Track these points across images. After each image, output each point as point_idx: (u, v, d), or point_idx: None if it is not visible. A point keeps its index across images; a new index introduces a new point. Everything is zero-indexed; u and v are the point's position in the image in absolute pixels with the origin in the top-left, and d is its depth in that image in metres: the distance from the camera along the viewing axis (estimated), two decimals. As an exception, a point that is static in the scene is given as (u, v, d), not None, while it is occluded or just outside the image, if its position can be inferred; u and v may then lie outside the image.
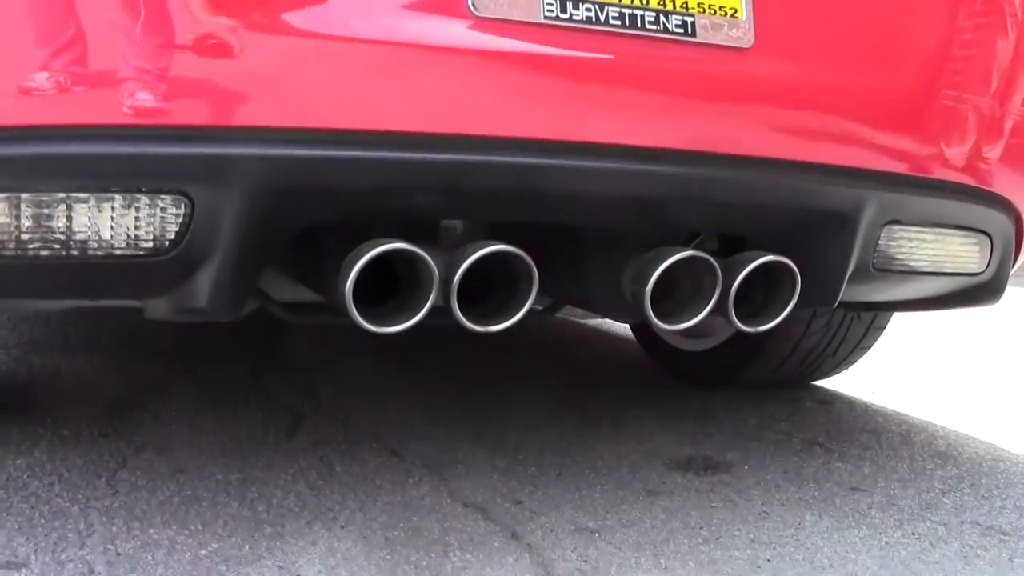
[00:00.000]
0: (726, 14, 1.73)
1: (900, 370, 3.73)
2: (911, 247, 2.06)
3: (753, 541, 1.93)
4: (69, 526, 1.82)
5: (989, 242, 2.15)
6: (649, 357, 3.40)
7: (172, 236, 1.52)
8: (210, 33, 1.46)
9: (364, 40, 1.54)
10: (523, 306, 1.73)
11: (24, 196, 1.46)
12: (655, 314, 1.83)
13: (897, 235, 2.02)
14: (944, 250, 2.11)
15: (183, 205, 1.50)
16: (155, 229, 1.51)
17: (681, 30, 1.70)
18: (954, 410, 3.11)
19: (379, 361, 3.28)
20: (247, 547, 1.78)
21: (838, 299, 2.02)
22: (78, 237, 1.49)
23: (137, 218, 1.50)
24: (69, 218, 1.48)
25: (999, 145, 2.06)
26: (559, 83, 1.68)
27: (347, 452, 2.30)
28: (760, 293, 1.96)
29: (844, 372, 3.16)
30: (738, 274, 1.83)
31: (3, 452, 2.17)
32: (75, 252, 1.50)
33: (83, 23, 1.44)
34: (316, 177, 1.56)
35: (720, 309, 1.87)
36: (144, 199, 1.49)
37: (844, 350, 2.95)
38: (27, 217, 1.46)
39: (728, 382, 3.08)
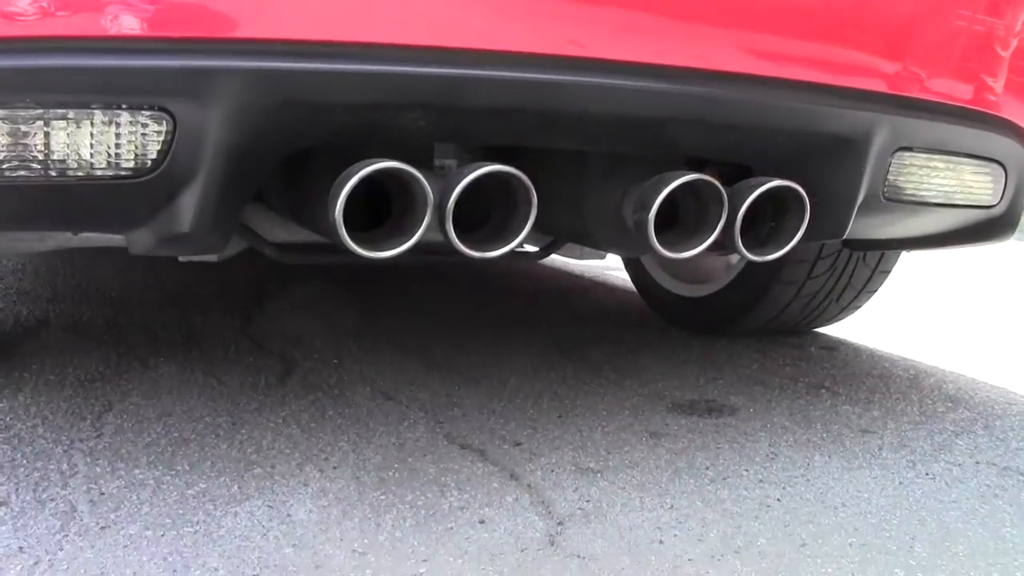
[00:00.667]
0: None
1: (907, 318, 3.68)
2: (922, 176, 1.98)
3: (762, 481, 1.87)
4: (52, 466, 1.76)
5: (1003, 172, 2.08)
6: (649, 306, 3.34)
7: (154, 155, 1.44)
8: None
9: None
10: (521, 231, 1.66)
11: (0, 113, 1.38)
12: (660, 243, 1.76)
13: (908, 163, 1.94)
14: (956, 180, 2.04)
15: (164, 122, 1.42)
16: (136, 148, 1.43)
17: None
18: (963, 356, 3.06)
19: (374, 309, 3.22)
20: (235, 487, 1.72)
21: (847, 231, 1.95)
22: (56, 156, 1.42)
23: (118, 135, 1.42)
24: (47, 135, 1.40)
25: (1015, 71, 1.98)
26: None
27: (340, 396, 2.24)
28: (767, 223, 1.89)
29: (849, 318, 3.10)
30: (746, 198, 1.75)
31: (-15, 397, 2.11)
32: (53, 173, 1.43)
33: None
34: (302, 93, 1.48)
35: (726, 237, 1.79)
36: (125, 116, 1.41)
37: (849, 294, 2.88)
38: (3, 135, 1.39)
39: (730, 329, 3.02)
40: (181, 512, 1.61)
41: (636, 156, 1.88)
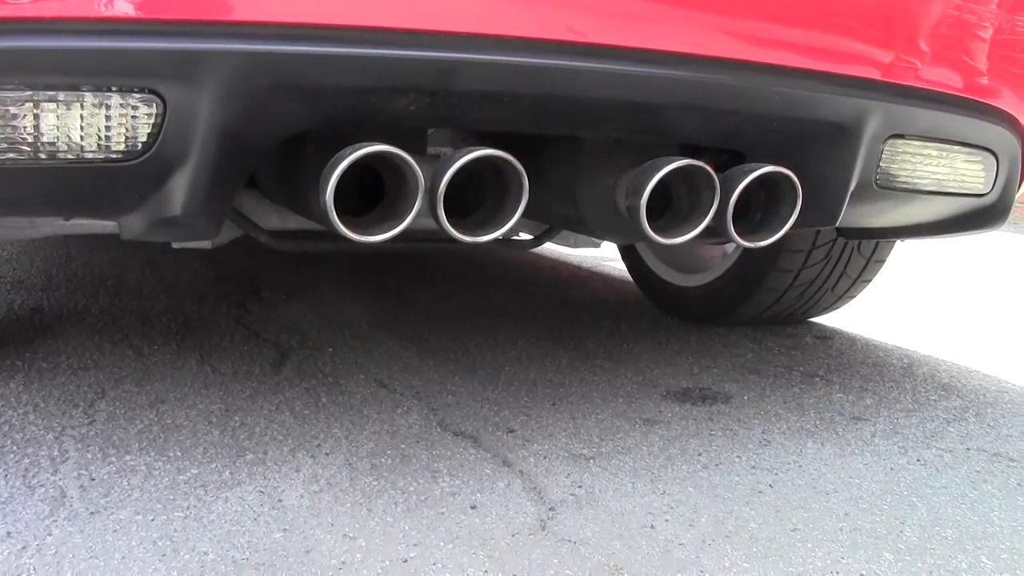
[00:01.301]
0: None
1: (901, 308, 3.68)
2: (915, 163, 1.98)
3: (754, 467, 1.87)
4: (42, 452, 1.76)
5: (995, 161, 2.08)
6: (646, 295, 3.34)
7: (144, 138, 1.44)
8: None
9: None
10: (513, 216, 1.65)
11: None
12: (652, 229, 1.75)
13: (900, 150, 1.94)
14: (948, 168, 2.04)
15: (155, 105, 1.42)
16: (127, 130, 1.43)
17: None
18: (956, 346, 3.06)
19: (368, 299, 3.21)
20: (227, 473, 1.72)
21: (839, 218, 1.95)
22: (46, 139, 1.41)
23: (108, 117, 1.42)
24: (36, 117, 1.40)
25: (1008, 60, 1.98)
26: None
27: (334, 384, 2.24)
28: (760, 210, 1.89)
29: (844, 308, 3.11)
30: (738, 184, 1.75)
31: (-23, 384, 2.11)
32: (43, 156, 1.42)
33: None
34: (293, 76, 1.48)
35: (719, 223, 1.79)
36: (115, 98, 1.41)
37: (844, 284, 2.88)
38: None
39: (725, 318, 3.02)
40: (172, 497, 1.61)
41: (630, 142, 1.88)
